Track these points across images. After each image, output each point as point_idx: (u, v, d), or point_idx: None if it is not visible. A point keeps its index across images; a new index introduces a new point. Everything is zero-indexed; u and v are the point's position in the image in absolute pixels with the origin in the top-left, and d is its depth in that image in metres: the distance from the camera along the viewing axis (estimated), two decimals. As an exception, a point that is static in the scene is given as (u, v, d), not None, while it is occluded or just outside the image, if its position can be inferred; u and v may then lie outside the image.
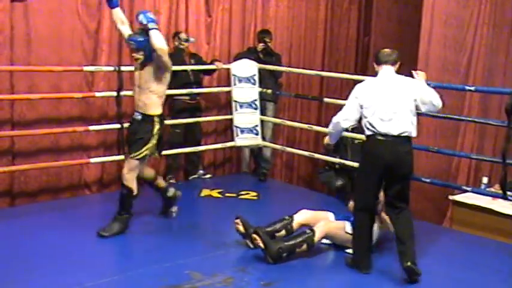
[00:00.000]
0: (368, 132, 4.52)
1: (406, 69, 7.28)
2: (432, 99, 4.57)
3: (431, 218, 6.76)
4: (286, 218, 5.07)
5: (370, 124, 4.47)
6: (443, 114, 6.15)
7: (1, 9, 5.81)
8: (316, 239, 4.83)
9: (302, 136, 8.61)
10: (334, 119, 4.68)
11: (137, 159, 5.11)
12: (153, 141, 5.14)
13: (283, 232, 5.00)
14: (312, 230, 4.85)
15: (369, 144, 4.54)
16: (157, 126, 5.15)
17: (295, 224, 5.03)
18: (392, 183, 4.53)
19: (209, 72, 7.27)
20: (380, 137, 4.44)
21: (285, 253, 4.73)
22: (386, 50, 4.71)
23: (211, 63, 7.20)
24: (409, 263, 4.43)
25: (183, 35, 6.92)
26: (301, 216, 5.08)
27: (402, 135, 4.45)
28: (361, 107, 4.53)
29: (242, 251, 5.04)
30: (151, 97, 5.10)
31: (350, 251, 4.88)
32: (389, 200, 4.61)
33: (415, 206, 6.99)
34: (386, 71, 4.62)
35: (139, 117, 5.16)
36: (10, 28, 5.89)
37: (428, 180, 6.10)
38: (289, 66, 8.02)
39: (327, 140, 4.98)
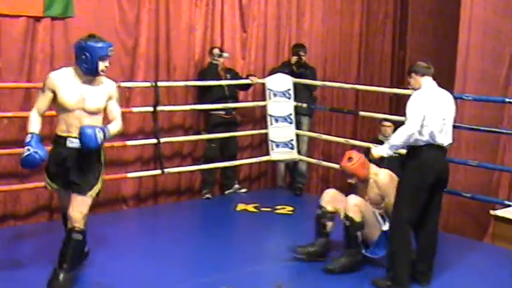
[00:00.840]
0: (421, 143, 4.41)
1: (444, 82, 7.25)
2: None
3: (472, 234, 6.65)
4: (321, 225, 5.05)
5: (428, 135, 4.38)
6: (483, 127, 6.07)
7: (42, 27, 5.94)
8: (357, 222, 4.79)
9: (338, 150, 8.54)
10: (408, 131, 4.35)
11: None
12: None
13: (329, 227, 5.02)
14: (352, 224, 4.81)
15: (423, 155, 4.42)
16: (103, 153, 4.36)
17: (330, 214, 5.03)
18: (436, 194, 4.50)
19: (245, 87, 7.30)
20: (435, 148, 4.41)
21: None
22: (422, 62, 4.64)
23: (246, 78, 7.23)
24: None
25: (216, 51, 6.97)
26: (329, 201, 5.08)
27: (448, 146, 4.51)
28: (424, 118, 4.38)
29: (279, 266, 5.02)
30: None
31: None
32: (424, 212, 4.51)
33: (455, 221, 6.90)
34: (432, 82, 4.58)
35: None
36: (50, 46, 6.01)
37: (468, 195, 6.01)
38: (324, 80, 8.00)
39: (382, 153, 4.61)
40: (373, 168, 5.05)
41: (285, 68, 7.40)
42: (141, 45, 6.59)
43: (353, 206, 4.84)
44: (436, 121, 4.40)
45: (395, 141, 4.44)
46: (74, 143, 4.09)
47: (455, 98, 6.65)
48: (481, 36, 6.78)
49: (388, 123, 7.15)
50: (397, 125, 7.31)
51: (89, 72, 4.09)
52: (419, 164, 4.42)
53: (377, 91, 8.14)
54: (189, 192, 7.18)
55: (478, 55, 6.80)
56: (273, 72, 7.43)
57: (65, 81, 4.10)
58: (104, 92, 4.20)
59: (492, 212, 6.50)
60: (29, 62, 5.92)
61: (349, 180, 5.07)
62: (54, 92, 4.10)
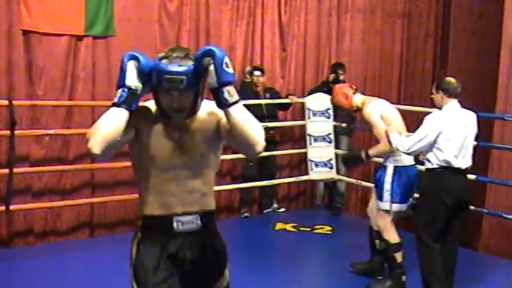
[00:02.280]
0: (437, 166, 4.38)
1: (486, 103, 7.14)
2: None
3: (514, 257, 6.48)
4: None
5: (446, 157, 4.35)
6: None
7: (84, 46, 6.07)
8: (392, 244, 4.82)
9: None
10: (414, 147, 4.36)
11: None
12: None
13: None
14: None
15: (439, 178, 4.40)
16: None
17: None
18: (457, 215, 4.48)
19: (284, 106, 7.30)
20: (453, 171, 4.38)
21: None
22: (453, 80, 4.51)
23: (286, 97, 7.24)
24: None
25: (247, 68, 7.00)
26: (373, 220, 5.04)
27: (468, 168, 4.51)
28: (438, 139, 4.34)
29: (318, 286, 4.98)
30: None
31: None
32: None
33: (496, 243, 6.73)
34: (456, 105, 4.46)
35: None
36: (92, 64, 6.13)
37: (510, 217, 5.87)
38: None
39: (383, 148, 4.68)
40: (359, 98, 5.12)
41: (324, 87, 7.39)
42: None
43: (383, 226, 4.81)
44: (455, 144, 4.35)
45: (399, 141, 4.42)
46: (185, 223, 2.55)
47: (496, 118, 6.58)
48: (523, 55, 6.65)
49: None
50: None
51: None
52: (436, 188, 4.39)
53: (417, 111, 8.04)
54: (228, 210, 7.19)
55: (520, 75, 6.67)
56: (312, 91, 7.43)
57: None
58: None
59: (534, 234, 6.33)
60: (71, 80, 6.04)
61: None
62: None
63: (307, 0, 7.65)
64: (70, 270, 5.19)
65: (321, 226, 6.71)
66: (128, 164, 6.10)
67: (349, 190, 8.04)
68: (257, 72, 6.94)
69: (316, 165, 7.32)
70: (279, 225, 6.71)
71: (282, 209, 7.43)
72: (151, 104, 2.53)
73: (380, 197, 4.78)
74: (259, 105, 6.90)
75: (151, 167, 2.49)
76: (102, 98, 6.15)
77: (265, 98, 7.02)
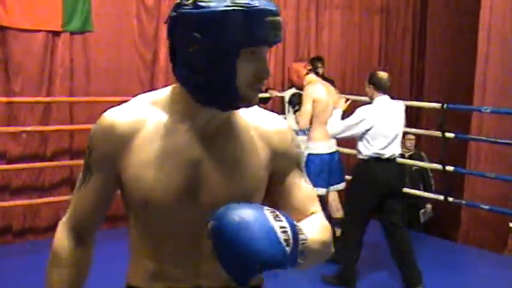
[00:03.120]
0: (369, 156, 4.66)
1: (464, 95, 7.21)
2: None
3: (492, 247, 6.55)
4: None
5: (377, 148, 4.62)
6: (502, 139, 6.02)
7: (61, 42, 6.02)
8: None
9: (356, 162, 8.51)
10: (343, 133, 4.76)
11: None
12: None
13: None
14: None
15: (371, 168, 4.67)
16: None
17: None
18: (392, 203, 4.73)
19: (263, 100, 7.30)
20: (384, 161, 4.66)
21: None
22: (384, 75, 4.81)
23: (265, 91, 7.24)
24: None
25: None
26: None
27: (397, 157, 4.85)
28: (368, 131, 4.62)
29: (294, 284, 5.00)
30: None
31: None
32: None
33: (474, 234, 6.82)
34: (386, 98, 4.78)
35: None
36: (70, 60, 6.09)
37: (487, 207, 5.94)
38: (342, 93, 7.98)
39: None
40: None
41: None
42: (161, 58, 6.63)
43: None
44: (386, 136, 4.61)
45: (336, 123, 4.79)
46: None
47: (474, 111, 6.66)
48: (500, 48, 6.73)
49: (411, 136, 7.12)
50: (417, 137, 7.32)
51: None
52: (367, 178, 4.66)
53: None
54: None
55: (497, 67, 6.75)
56: (291, 86, 7.44)
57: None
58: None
59: (511, 225, 6.41)
60: (48, 77, 6.00)
61: None
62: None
63: (285, -5, 7.66)
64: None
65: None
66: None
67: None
68: None
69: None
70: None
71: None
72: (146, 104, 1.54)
73: None
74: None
75: (143, 212, 1.53)
76: (80, 94, 6.12)
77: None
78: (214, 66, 1.40)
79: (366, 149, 4.64)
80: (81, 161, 4.97)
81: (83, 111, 6.17)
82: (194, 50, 1.39)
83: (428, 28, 8.76)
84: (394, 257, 4.78)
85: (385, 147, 4.63)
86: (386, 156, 4.64)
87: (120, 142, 1.49)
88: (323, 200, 5.22)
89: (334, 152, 5.42)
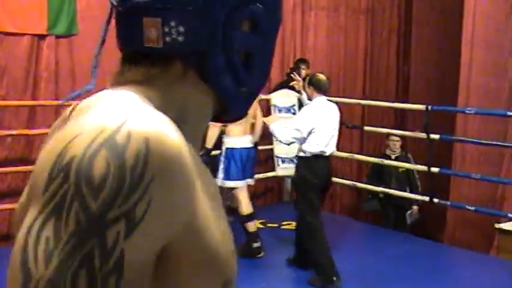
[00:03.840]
0: (310, 154, 4.93)
1: (449, 97, 7.26)
2: None
3: (478, 247, 6.60)
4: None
5: (317, 146, 4.91)
6: (487, 141, 6.08)
7: (46, 45, 6.00)
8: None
9: (344, 165, 8.55)
10: (294, 135, 4.94)
11: None
12: None
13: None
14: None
15: (313, 165, 4.96)
16: None
17: None
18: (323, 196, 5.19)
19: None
20: (323, 158, 4.98)
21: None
22: (323, 78, 5.11)
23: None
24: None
25: None
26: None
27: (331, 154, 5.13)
28: (312, 130, 4.89)
29: (285, 283, 5.01)
30: None
31: None
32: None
33: (460, 235, 6.87)
34: (324, 99, 5.07)
35: None
36: (55, 63, 6.08)
37: (472, 208, 5.99)
38: (328, 95, 8.01)
39: (273, 125, 5.16)
40: None
41: (284, 83, 7.40)
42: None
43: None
44: (326, 134, 4.94)
45: (280, 134, 5.03)
46: None
47: (458, 112, 6.71)
48: (484, 51, 6.79)
49: (396, 138, 7.16)
50: (404, 139, 7.36)
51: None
52: (311, 174, 4.95)
53: (382, 106, 8.16)
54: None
55: (480, 70, 6.81)
56: (276, 88, 7.46)
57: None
58: None
59: (497, 226, 6.46)
60: (33, 80, 5.98)
61: None
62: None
63: (271, -3, 7.66)
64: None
65: (289, 222, 6.74)
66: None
67: (316, 185, 8.09)
68: None
69: (283, 161, 7.35)
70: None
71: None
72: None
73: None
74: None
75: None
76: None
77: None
78: (268, 53, 1.01)
79: (310, 148, 4.92)
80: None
81: (68, 115, 6.15)
82: (249, 30, 0.95)
83: (413, 29, 8.81)
84: (298, 239, 5.20)
85: (326, 145, 4.96)
86: (327, 153, 4.99)
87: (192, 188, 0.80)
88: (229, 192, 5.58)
89: (250, 148, 5.64)
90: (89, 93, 0.99)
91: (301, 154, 5.03)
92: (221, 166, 5.50)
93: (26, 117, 5.95)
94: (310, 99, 5.16)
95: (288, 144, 5.27)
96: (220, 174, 5.47)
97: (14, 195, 5.93)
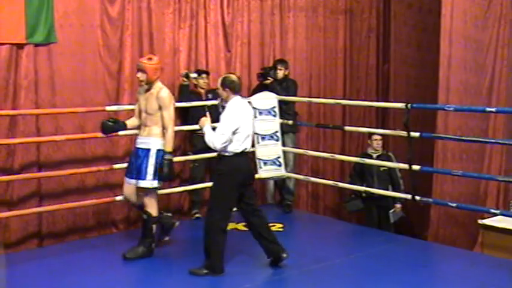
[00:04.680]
0: (231, 151, 5.07)
1: (429, 94, 7.31)
2: None
3: (462, 244, 6.67)
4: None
5: (239, 144, 5.07)
6: (468, 137, 6.13)
7: (25, 54, 5.98)
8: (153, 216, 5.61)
9: (326, 166, 8.58)
10: (223, 139, 5.01)
11: None
12: None
13: None
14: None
15: (233, 161, 5.09)
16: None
17: None
18: (247, 189, 5.26)
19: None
20: (243, 155, 5.14)
21: None
22: (236, 78, 5.24)
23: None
24: (284, 254, 5.28)
25: (183, 72, 6.97)
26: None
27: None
28: (236, 130, 5.05)
29: (269, 283, 5.02)
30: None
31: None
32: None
33: (444, 231, 6.92)
34: (239, 98, 5.22)
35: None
36: (34, 72, 6.06)
37: (454, 205, 6.03)
38: (309, 96, 8.05)
39: (205, 127, 5.20)
40: (159, 83, 5.57)
41: (261, 85, 7.41)
42: (126, 68, 6.63)
43: (149, 201, 5.53)
44: (247, 133, 5.14)
45: (212, 137, 5.06)
46: None
47: (437, 109, 6.77)
48: (463, 48, 6.86)
49: (378, 137, 7.19)
50: (385, 138, 7.41)
51: None
52: (230, 170, 5.09)
53: (362, 105, 8.21)
54: (179, 213, 7.17)
55: (460, 67, 6.88)
56: (254, 90, 7.47)
57: None
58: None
59: (480, 221, 6.51)
60: (13, 89, 5.96)
61: (138, 75, 5.52)
62: None
63: (249, 0, 7.69)
64: (20, 283, 5.10)
65: (273, 224, 6.73)
66: (76, 170, 6.08)
67: (299, 187, 8.12)
68: (193, 75, 6.94)
69: (265, 163, 7.36)
70: (230, 225, 6.62)
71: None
72: None
73: (144, 176, 5.44)
74: (202, 106, 6.87)
75: None
76: (46, 106, 6.08)
77: (207, 99, 7.00)
78: None
79: (233, 147, 5.06)
80: (49, 173, 5.01)
81: (49, 123, 6.13)
82: None
83: (392, 28, 8.87)
84: (256, 236, 5.33)
85: (245, 142, 5.14)
86: (247, 150, 5.18)
87: None
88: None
89: (138, 148, 5.63)
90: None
91: (224, 153, 5.11)
92: (150, 168, 5.47)
93: (7, 126, 5.93)
94: (226, 101, 5.20)
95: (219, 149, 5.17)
96: (150, 176, 5.47)
97: (-4, 204, 5.91)
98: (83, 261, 5.61)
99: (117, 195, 6.43)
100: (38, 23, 5.99)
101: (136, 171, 5.47)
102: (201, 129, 5.32)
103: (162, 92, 5.47)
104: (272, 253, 5.32)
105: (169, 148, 5.47)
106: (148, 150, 5.48)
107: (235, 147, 5.07)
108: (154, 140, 5.50)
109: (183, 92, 6.86)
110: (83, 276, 5.16)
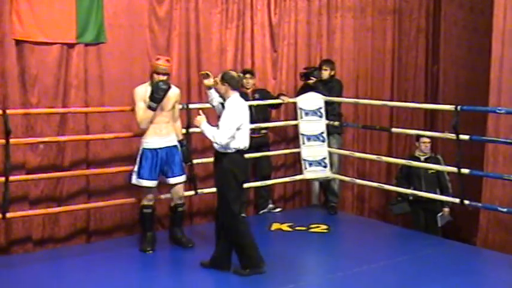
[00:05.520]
0: (232, 149, 5.08)
1: (479, 96, 7.16)
2: None
3: (512, 250, 6.50)
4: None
5: (240, 141, 5.10)
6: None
7: (76, 53, 6.10)
8: None
9: (373, 168, 8.50)
10: (229, 135, 5.03)
11: None
12: None
13: None
14: None
15: (234, 159, 5.11)
16: None
17: None
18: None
19: (276, 106, 7.33)
20: (241, 152, 5.17)
21: None
22: (235, 74, 5.26)
23: (277, 97, 7.26)
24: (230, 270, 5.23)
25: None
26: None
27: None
28: (240, 126, 5.10)
29: (314, 285, 5.01)
30: None
31: None
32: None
33: (493, 237, 6.76)
34: (238, 95, 5.22)
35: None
36: (84, 71, 6.17)
37: (505, 210, 5.90)
38: (356, 97, 7.98)
39: (202, 125, 5.21)
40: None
41: (307, 86, 7.38)
42: (173, 68, 6.69)
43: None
44: (246, 130, 5.19)
45: (215, 133, 5.06)
46: None
47: (489, 112, 6.61)
48: (515, 48, 6.68)
49: (426, 139, 7.07)
50: (434, 140, 7.29)
51: None
52: (234, 167, 5.10)
53: (409, 107, 8.10)
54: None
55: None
56: (299, 91, 7.45)
57: None
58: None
59: (531, 228, 6.35)
60: (63, 88, 6.09)
61: (164, 78, 5.69)
62: None
63: (296, 0, 7.67)
64: (68, 276, 5.22)
65: (317, 225, 6.73)
66: (123, 168, 6.17)
67: (345, 189, 8.06)
68: (240, 75, 6.94)
69: (310, 164, 7.33)
70: (275, 225, 6.73)
71: (278, 209, 7.45)
72: None
73: (183, 171, 5.91)
74: (249, 106, 6.87)
75: None
76: (95, 104, 6.19)
77: (254, 99, 7.02)
78: None
79: (235, 144, 5.08)
80: (97, 171, 5.14)
81: (98, 121, 6.24)
82: None
83: (442, 29, 8.71)
84: (217, 234, 5.31)
85: (245, 139, 5.17)
86: (246, 148, 5.20)
87: None
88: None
89: (168, 147, 5.81)
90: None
91: (222, 150, 5.10)
92: (136, 166, 5.77)
93: (57, 124, 6.06)
94: (226, 97, 5.22)
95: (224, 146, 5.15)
96: (135, 174, 5.75)
97: (48, 201, 6.05)
98: (129, 257, 5.70)
99: (162, 193, 6.50)
100: (88, 23, 6.11)
101: (178, 168, 5.86)
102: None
103: (175, 89, 5.85)
104: (215, 259, 5.28)
105: (181, 136, 5.96)
106: (175, 146, 5.86)
107: (237, 144, 5.09)
108: (174, 136, 5.89)
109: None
110: (129, 273, 5.23)
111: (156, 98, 5.57)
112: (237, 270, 5.16)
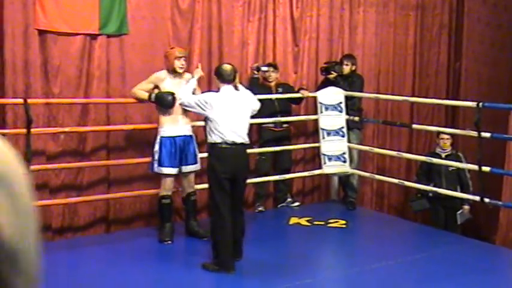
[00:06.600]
0: (215, 142, 5.08)
1: (502, 94, 7.09)
2: (256, 105, 5.46)
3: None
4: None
5: (220, 135, 5.06)
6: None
7: (98, 45, 6.14)
8: None
9: (392, 163, 8.46)
10: (186, 103, 5.35)
11: None
12: None
13: None
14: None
15: (216, 151, 5.10)
16: None
17: None
18: (238, 184, 5.14)
19: (296, 100, 7.32)
20: (228, 146, 5.07)
21: None
22: (228, 67, 5.27)
23: (297, 91, 7.26)
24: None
25: (253, 65, 7.02)
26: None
27: (245, 143, 5.21)
28: (212, 118, 5.09)
29: (331, 279, 5.00)
30: None
31: None
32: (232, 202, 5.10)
33: (513, 235, 6.70)
34: (229, 88, 5.24)
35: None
36: (106, 62, 6.22)
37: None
38: (377, 93, 7.95)
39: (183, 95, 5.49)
40: None
41: (327, 81, 7.36)
42: (194, 61, 6.70)
43: (162, 184, 5.90)
44: (228, 121, 5.07)
45: (185, 93, 5.44)
46: None
47: (511, 109, 6.55)
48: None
49: (446, 136, 7.02)
50: (455, 137, 7.23)
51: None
52: (215, 159, 5.11)
53: (431, 103, 8.04)
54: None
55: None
56: (320, 85, 7.44)
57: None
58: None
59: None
60: (86, 79, 6.14)
61: (183, 63, 5.86)
62: None
63: (318, -6, 7.66)
64: (87, 266, 5.27)
65: (336, 220, 6.72)
66: (143, 159, 6.21)
67: (364, 184, 8.04)
68: (264, 68, 6.96)
69: (330, 159, 7.32)
70: (293, 220, 6.73)
71: (297, 203, 7.45)
72: None
73: (197, 160, 5.98)
74: (271, 100, 6.92)
75: None
76: (116, 96, 6.24)
77: (277, 93, 7.03)
78: None
79: (213, 134, 5.10)
80: (117, 161, 5.19)
81: (119, 112, 6.29)
82: None
83: (465, 25, 8.62)
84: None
85: (229, 132, 5.08)
86: (237, 141, 5.10)
87: None
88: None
89: (185, 136, 5.90)
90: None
91: (208, 139, 5.21)
92: (155, 154, 5.86)
93: (79, 114, 6.12)
94: (218, 89, 5.30)
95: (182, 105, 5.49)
96: (155, 162, 5.85)
97: (68, 190, 6.10)
98: (148, 247, 5.74)
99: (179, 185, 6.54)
100: (111, 15, 6.15)
101: (192, 157, 5.94)
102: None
103: (188, 75, 5.90)
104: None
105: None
106: (191, 136, 5.95)
107: (216, 138, 5.10)
108: (190, 126, 5.98)
109: (253, 85, 6.87)
110: (148, 262, 5.28)
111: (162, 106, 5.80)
112: (205, 263, 5.16)
